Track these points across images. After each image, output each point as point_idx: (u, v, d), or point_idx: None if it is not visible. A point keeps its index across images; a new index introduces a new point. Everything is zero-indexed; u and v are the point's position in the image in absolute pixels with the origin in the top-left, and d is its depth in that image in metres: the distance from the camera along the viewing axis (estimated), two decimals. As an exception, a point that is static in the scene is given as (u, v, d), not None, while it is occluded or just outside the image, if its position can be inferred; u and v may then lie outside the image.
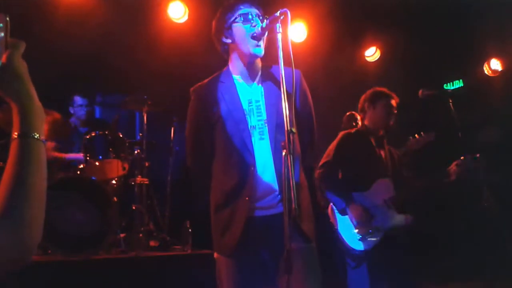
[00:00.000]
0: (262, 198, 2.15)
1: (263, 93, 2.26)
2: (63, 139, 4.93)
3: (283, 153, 1.84)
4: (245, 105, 2.24)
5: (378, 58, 6.55)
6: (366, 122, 3.56)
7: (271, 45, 2.18)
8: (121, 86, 5.62)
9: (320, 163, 3.51)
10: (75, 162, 4.85)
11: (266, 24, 2.11)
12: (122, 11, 5.15)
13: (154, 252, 4.31)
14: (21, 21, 4.78)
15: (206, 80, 2.38)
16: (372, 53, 6.57)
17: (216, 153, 2.29)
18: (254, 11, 2.25)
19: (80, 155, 4.60)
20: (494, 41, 5.90)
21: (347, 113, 5.57)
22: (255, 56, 2.26)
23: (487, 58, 6.41)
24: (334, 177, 3.48)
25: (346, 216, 3.32)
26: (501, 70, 6.35)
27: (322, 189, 3.48)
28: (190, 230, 4.32)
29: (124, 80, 5.54)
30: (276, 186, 2.14)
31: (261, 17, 2.23)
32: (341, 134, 3.58)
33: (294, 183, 1.78)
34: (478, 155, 3.15)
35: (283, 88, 1.93)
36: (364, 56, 6.59)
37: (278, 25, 2.01)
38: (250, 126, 2.20)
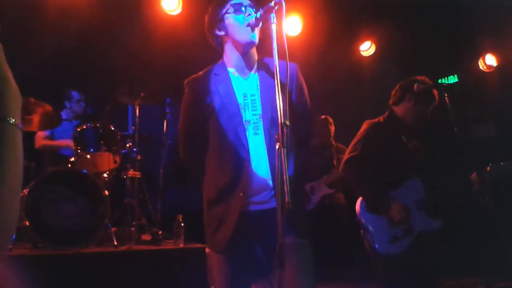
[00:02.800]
0: (257, 194, 2.11)
1: (258, 87, 2.22)
2: (53, 128, 4.90)
3: (277, 146, 1.80)
4: (240, 99, 2.19)
5: (373, 53, 6.53)
6: (397, 111, 3.32)
7: (265, 37, 2.14)
8: (113, 78, 5.57)
9: (346, 157, 3.27)
10: (68, 151, 4.80)
11: (260, 14, 2.06)
12: (115, 3, 5.10)
13: (146, 246, 4.27)
14: (15, 13, 4.76)
15: (200, 73, 2.33)
16: (367, 48, 6.55)
17: (209, 147, 2.24)
18: (247, 1, 2.21)
19: (71, 142, 4.56)
20: (489, 36, 5.88)
21: (322, 117, 5.58)
22: (250, 43, 2.20)
23: (482, 54, 6.39)
24: (364, 171, 3.22)
25: (378, 216, 3.14)
26: (496, 66, 6.33)
27: (352, 184, 3.28)
28: (182, 224, 4.30)
29: (116, 72, 5.50)
30: (270, 182, 2.10)
31: (254, 8, 2.18)
32: (367, 123, 3.34)
33: (287, 177, 1.74)
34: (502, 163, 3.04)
35: (277, 80, 1.89)
36: (359, 50, 6.57)
37: (273, 15, 1.97)
38: (245, 121, 2.15)
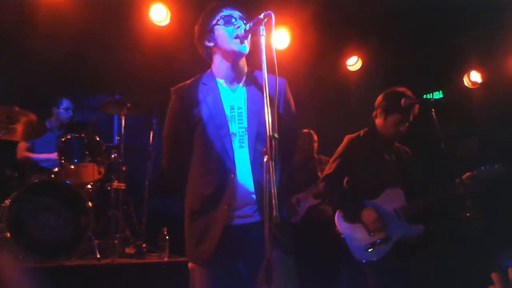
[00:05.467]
0: (241, 208, 2.10)
1: (246, 100, 2.22)
2: (36, 139, 4.85)
3: (265, 159, 1.79)
4: (227, 111, 2.19)
5: (360, 68, 6.57)
6: (378, 124, 3.38)
7: (255, 50, 2.14)
8: (100, 88, 5.54)
9: (324, 174, 3.42)
10: (48, 163, 4.74)
11: (250, 27, 2.07)
12: (103, 13, 5.08)
13: (129, 260, 4.23)
14: (4, 23, 4.73)
15: (188, 81, 2.33)
16: (353, 63, 6.58)
17: (194, 156, 2.22)
18: (237, 13, 2.22)
19: (54, 155, 4.50)
20: (474, 53, 5.96)
21: (304, 130, 5.57)
22: (239, 54, 2.21)
23: (467, 70, 6.46)
24: (340, 186, 3.36)
25: (355, 225, 3.21)
26: (481, 82, 6.41)
27: (329, 200, 3.39)
28: (167, 237, 4.26)
29: (103, 82, 5.47)
30: (254, 196, 2.10)
31: (244, 20, 2.19)
32: (346, 139, 3.43)
33: (275, 190, 1.73)
34: (496, 166, 3.10)
35: (266, 93, 1.88)
36: (345, 65, 6.61)
37: (262, 27, 1.97)
38: (231, 133, 2.15)
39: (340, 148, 3.42)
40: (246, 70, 2.29)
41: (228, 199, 2.08)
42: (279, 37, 5.75)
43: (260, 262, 1.88)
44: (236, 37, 2.15)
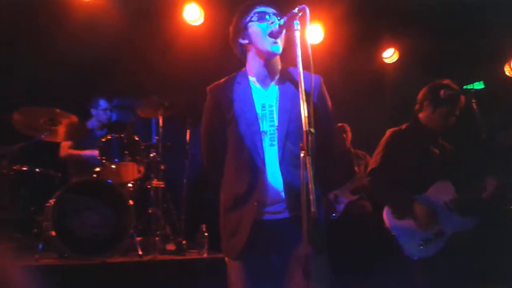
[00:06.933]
0: (271, 205, 2.12)
1: (277, 98, 2.22)
2: (78, 139, 4.96)
3: (301, 155, 1.78)
4: (258, 109, 2.20)
5: (396, 60, 6.46)
6: (421, 117, 3.32)
7: (289, 45, 2.13)
8: (137, 89, 5.64)
9: (369, 169, 3.36)
10: (92, 160, 4.84)
11: (284, 22, 2.06)
12: (137, 13, 5.17)
13: (170, 256, 4.29)
14: (38, 24, 4.86)
15: (222, 80, 2.35)
16: (390, 55, 6.47)
17: (228, 153, 2.26)
18: (271, 10, 2.22)
19: (95, 152, 4.60)
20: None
21: (338, 125, 5.50)
22: (273, 54, 2.21)
23: (508, 59, 6.26)
24: (386, 181, 3.27)
25: (405, 221, 3.14)
26: (523, 71, 6.20)
27: (376, 195, 3.35)
28: (206, 234, 4.30)
29: (140, 83, 5.56)
30: (283, 195, 2.10)
31: (278, 16, 2.18)
32: (388, 132, 3.37)
33: (313, 186, 1.72)
34: None
35: (302, 88, 1.87)
36: (381, 57, 6.50)
37: (296, 22, 1.96)
38: (262, 131, 2.16)
39: (382, 142, 3.36)
40: (279, 67, 2.28)
41: (258, 196, 2.10)
42: (313, 32, 5.71)
43: (290, 257, 1.93)
44: (270, 33, 2.14)
